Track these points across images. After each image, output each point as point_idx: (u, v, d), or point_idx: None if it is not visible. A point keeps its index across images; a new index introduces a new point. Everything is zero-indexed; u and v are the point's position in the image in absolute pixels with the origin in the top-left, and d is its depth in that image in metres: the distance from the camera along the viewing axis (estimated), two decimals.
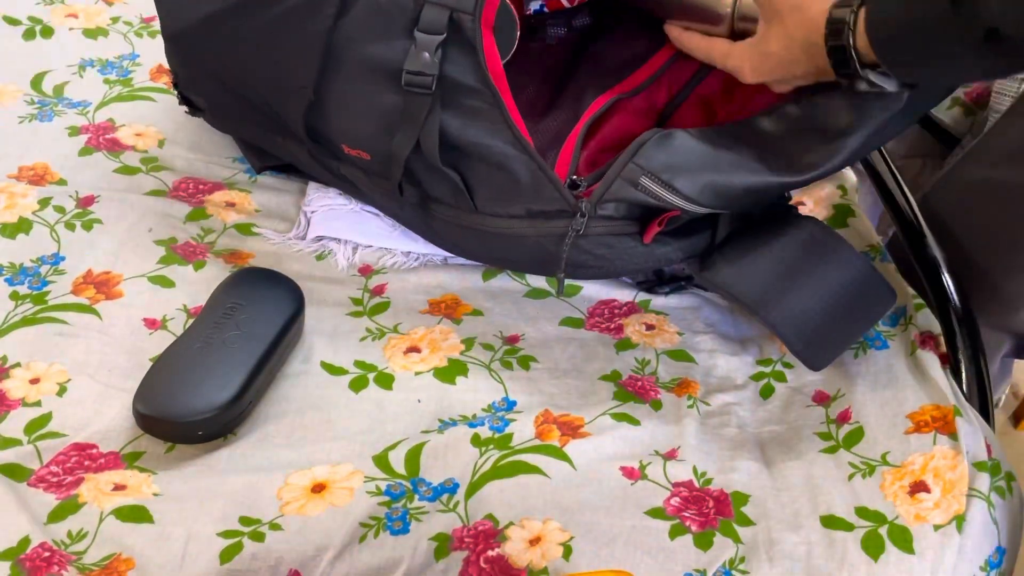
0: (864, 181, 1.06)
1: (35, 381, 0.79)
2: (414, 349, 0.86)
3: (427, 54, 0.77)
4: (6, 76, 1.09)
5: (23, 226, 0.91)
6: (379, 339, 0.87)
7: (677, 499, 0.74)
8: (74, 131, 1.03)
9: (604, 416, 0.81)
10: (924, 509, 0.72)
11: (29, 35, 1.15)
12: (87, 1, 1.22)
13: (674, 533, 0.72)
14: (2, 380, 0.79)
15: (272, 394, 0.80)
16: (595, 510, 0.72)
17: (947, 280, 0.87)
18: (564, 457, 0.76)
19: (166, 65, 1.13)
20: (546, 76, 0.98)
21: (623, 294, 0.94)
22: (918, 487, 0.74)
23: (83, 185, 0.97)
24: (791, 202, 0.90)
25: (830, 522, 0.73)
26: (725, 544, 0.71)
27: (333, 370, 0.83)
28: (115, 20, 1.21)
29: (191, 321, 0.84)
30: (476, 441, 0.77)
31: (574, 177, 0.82)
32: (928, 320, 0.87)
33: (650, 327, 0.91)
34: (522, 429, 0.78)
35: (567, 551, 0.70)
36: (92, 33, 1.18)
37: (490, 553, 0.69)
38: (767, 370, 0.87)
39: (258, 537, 0.69)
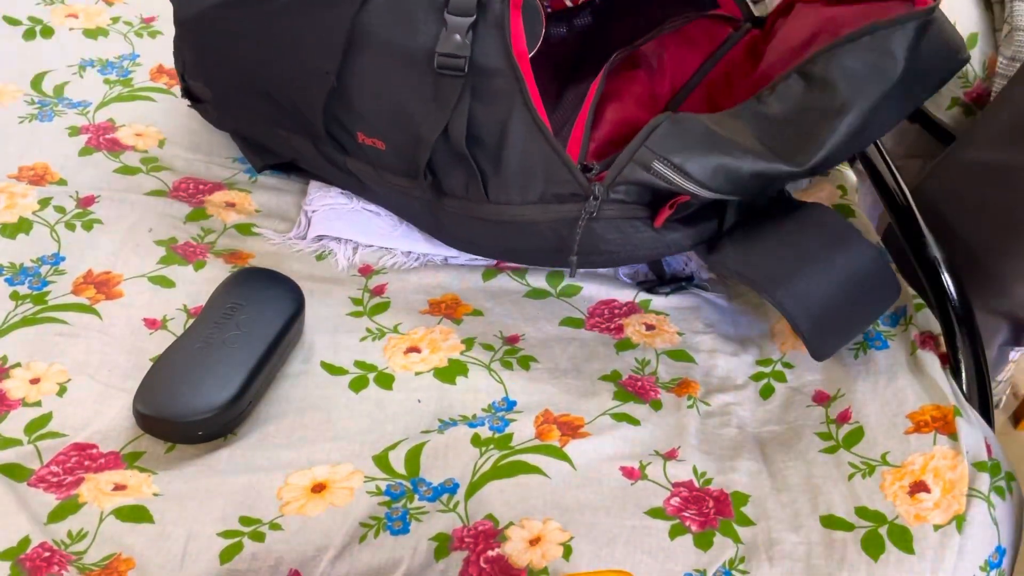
0: (864, 181, 1.06)
1: (35, 381, 0.79)
2: (414, 349, 0.86)
3: (458, 36, 0.78)
4: (6, 76, 1.09)
5: (23, 226, 0.91)
6: (379, 339, 0.87)
7: (677, 499, 0.74)
8: (74, 131, 1.03)
9: (604, 416, 0.81)
10: (924, 509, 0.72)
11: (29, 35, 1.15)
12: (87, 1, 1.22)
13: (674, 533, 0.72)
14: (2, 380, 0.79)
15: (272, 394, 0.80)
16: (595, 510, 0.72)
17: (947, 280, 0.87)
18: (564, 457, 0.76)
19: (166, 65, 1.13)
20: (553, 73, 0.98)
21: (623, 294, 0.94)
22: (918, 487, 0.74)
23: (83, 185, 0.97)
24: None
25: (830, 522, 0.73)
26: (725, 544, 0.71)
27: (333, 370, 0.83)
28: (115, 20, 1.21)
29: (191, 321, 0.84)
30: (476, 441, 0.77)
31: (586, 162, 0.83)
32: (928, 320, 0.87)
33: (650, 327, 0.91)
34: (522, 429, 0.78)
35: (567, 551, 0.70)
36: (92, 33, 1.18)
37: (490, 553, 0.69)
38: (767, 370, 0.87)
39: (258, 537, 0.69)
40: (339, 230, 0.96)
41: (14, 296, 0.85)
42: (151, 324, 0.85)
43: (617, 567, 0.70)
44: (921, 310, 0.88)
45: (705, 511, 0.73)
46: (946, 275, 0.87)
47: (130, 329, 0.84)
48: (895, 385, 0.81)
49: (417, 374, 0.83)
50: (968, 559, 0.71)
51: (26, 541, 0.68)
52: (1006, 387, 1.36)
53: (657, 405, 0.83)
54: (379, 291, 0.92)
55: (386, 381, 0.83)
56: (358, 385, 0.82)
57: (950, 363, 0.83)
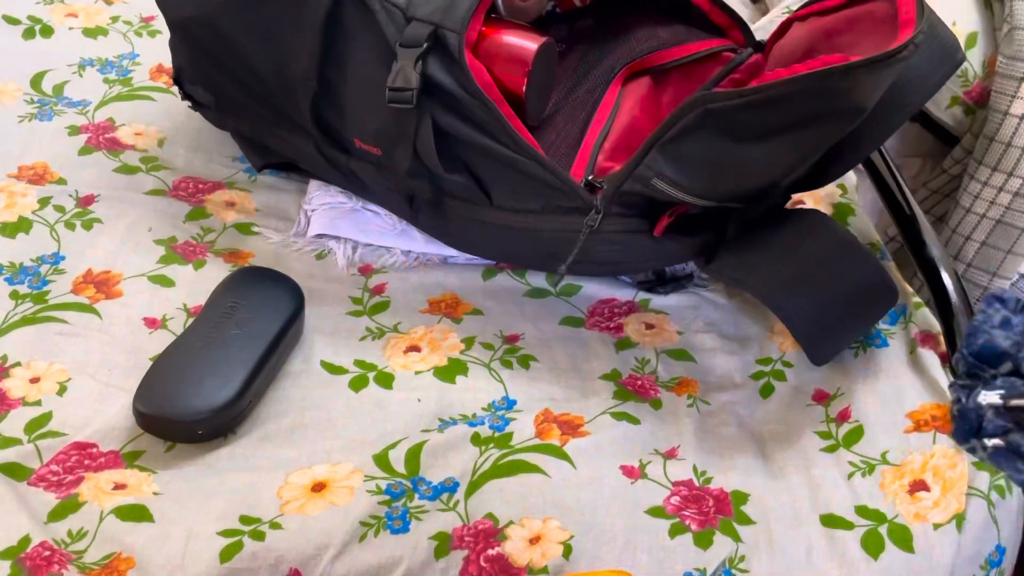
0: (864, 180, 1.06)
1: (35, 380, 0.79)
2: (414, 348, 0.86)
3: (408, 69, 0.79)
4: (6, 75, 1.09)
5: (23, 225, 0.91)
6: (379, 338, 0.87)
7: (677, 498, 0.74)
8: (74, 130, 1.03)
9: (604, 415, 0.81)
10: (924, 508, 0.72)
11: (29, 34, 1.15)
12: (87, 1, 1.22)
13: (674, 532, 0.72)
14: (2, 379, 0.79)
15: (272, 393, 0.80)
16: (595, 509, 0.72)
17: (947, 279, 0.87)
18: (564, 456, 0.76)
19: (166, 64, 1.13)
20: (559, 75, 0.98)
21: (623, 293, 0.94)
22: (918, 486, 0.74)
23: (83, 184, 0.97)
24: (792, 200, 0.91)
25: (830, 521, 0.73)
26: (725, 543, 0.71)
27: (333, 369, 0.83)
28: (115, 19, 1.21)
29: (191, 320, 0.84)
30: (476, 440, 0.77)
31: (590, 178, 0.83)
32: (928, 319, 0.87)
33: (650, 326, 0.91)
34: (522, 428, 0.78)
35: (567, 550, 0.70)
36: (92, 32, 1.18)
37: (490, 552, 0.69)
38: (767, 369, 0.87)
39: (258, 536, 0.69)
40: (339, 229, 0.96)
41: (14, 295, 0.85)
42: (151, 323, 0.85)
43: (617, 566, 0.70)
44: (920, 309, 0.88)
45: (705, 510, 0.73)
46: (946, 274, 0.87)
47: (130, 328, 0.84)
48: (895, 384, 0.81)
49: (417, 373, 0.83)
50: (968, 558, 0.71)
51: (26, 540, 0.68)
52: None
53: (657, 404, 0.83)
54: (379, 290, 0.92)
55: (386, 380, 0.83)
56: (358, 384, 0.82)
57: (950, 362, 0.83)
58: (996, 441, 0.71)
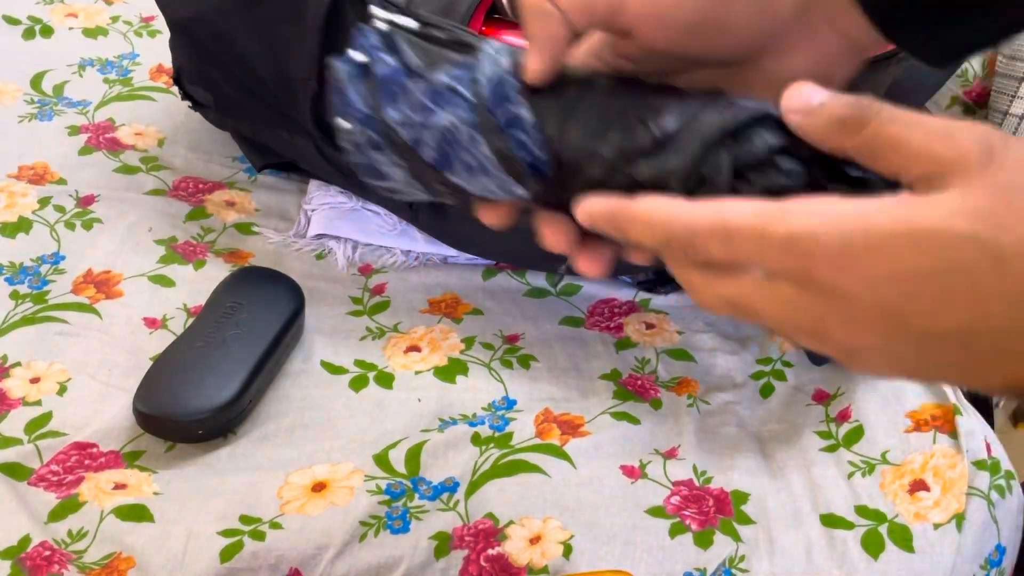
0: None
1: (35, 380, 0.79)
2: (414, 348, 0.86)
3: None
4: (6, 76, 1.09)
5: (23, 225, 0.91)
6: (379, 338, 0.87)
7: (677, 498, 0.74)
8: (74, 130, 1.03)
9: (604, 415, 0.81)
10: (924, 508, 0.72)
11: (29, 34, 1.15)
12: (87, 1, 1.22)
13: (674, 532, 0.72)
14: (2, 379, 0.79)
15: (272, 393, 0.80)
16: (595, 509, 0.72)
17: None
18: (564, 456, 0.76)
19: (166, 64, 1.13)
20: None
21: (623, 293, 0.94)
22: (918, 486, 0.74)
23: (83, 184, 0.97)
24: None
25: (830, 521, 0.73)
26: (725, 542, 0.71)
27: (333, 369, 0.83)
28: (115, 19, 1.21)
29: (191, 320, 0.84)
30: (476, 440, 0.77)
31: None
32: None
33: (650, 326, 0.91)
34: (522, 428, 0.78)
35: (567, 550, 0.70)
36: (92, 32, 1.18)
37: (490, 552, 0.69)
38: (767, 369, 0.87)
39: (258, 536, 0.69)
40: (339, 228, 0.96)
41: (14, 295, 0.85)
42: (151, 323, 0.85)
43: (617, 566, 0.69)
44: None
45: (705, 510, 0.73)
46: None
47: (130, 328, 0.84)
48: (895, 384, 0.81)
49: (417, 373, 0.83)
50: (968, 557, 0.71)
51: (26, 540, 0.68)
52: None
53: (657, 404, 0.83)
54: (379, 290, 0.92)
55: (386, 380, 0.83)
56: (358, 384, 0.82)
57: None
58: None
